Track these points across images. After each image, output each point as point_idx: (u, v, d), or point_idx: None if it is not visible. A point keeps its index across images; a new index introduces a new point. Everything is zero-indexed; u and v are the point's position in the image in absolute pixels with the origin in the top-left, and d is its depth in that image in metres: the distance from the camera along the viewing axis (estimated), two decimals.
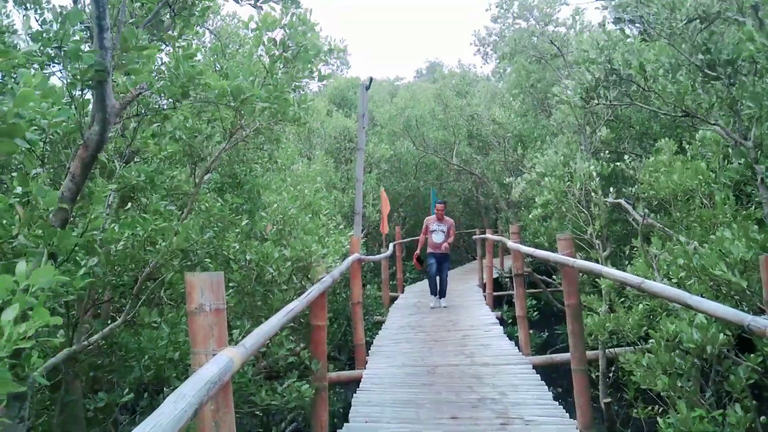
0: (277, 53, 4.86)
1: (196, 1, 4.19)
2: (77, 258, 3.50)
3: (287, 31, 4.91)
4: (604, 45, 5.65)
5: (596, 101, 5.99)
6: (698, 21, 4.73)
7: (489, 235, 12.95)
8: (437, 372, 6.36)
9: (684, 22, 4.80)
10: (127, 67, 3.66)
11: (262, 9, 4.26)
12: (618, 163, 7.73)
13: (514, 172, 15.18)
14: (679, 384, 3.95)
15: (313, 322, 5.07)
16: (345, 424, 4.98)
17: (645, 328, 5.37)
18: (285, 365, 5.24)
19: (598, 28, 13.43)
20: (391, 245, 13.98)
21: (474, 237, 15.52)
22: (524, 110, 15.77)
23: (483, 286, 12.87)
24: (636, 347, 5.35)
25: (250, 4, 4.03)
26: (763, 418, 3.97)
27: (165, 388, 4.59)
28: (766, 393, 4.24)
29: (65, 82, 3.61)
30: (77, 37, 3.44)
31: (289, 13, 4.92)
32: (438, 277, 10.72)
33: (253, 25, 4.99)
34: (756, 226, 4.21)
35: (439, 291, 10.82)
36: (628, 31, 5.53)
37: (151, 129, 4.61)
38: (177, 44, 4.43)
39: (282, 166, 8.96)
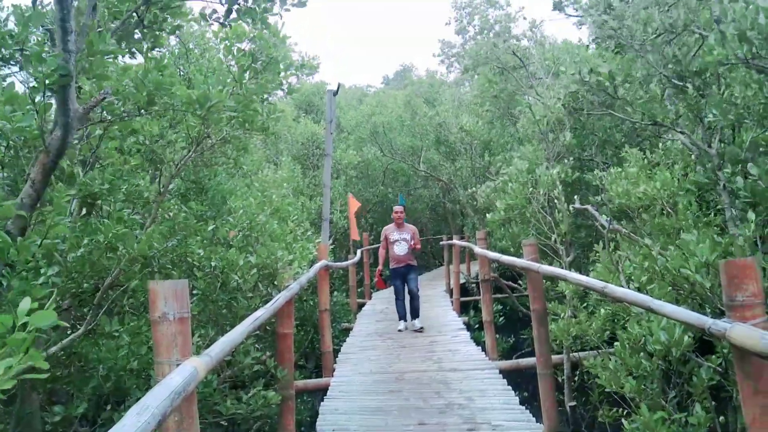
0: (246, 64, 4.83)
1: (168, 19, 4.13)
2: (37, 267, 3.40)
3: (257, 42, 4.90)
4: (579, 60, 5.79)
5: (579, 109, 6.12)
6: (667, 34, 4.85)
7: (456, 241, 13.02)
8: (405, 378, 6.35)
9: (654, 36, 4.93)
10: (95, 72, 3.59)
11: (230, 27, 4.22)
12: (586, 174, 7.87)
13: (481, 179, 15.31)
14: (644, 386, 4.02)
15: (279, 330, 5.02)
16: None
17: (608, 332, 5.45)
18: (251, 374, 5.16)
19: (560, 42, 13.68)
20: (358, 252, 13.95)
21: (441, 243, 15.58)
22: (491, 118, 15.92)
23: (450, 292, 12.93)
24: (600, 351, 5.43)
25: (218, 22, 4.00)
26: (722, 418, 4.06)
27: (127, 399, 4.48)
28: (724, 394, 4.33)
29: (26, 85, 3.52)
30: (36, 40, 3.36)
31: (258, 27, 4.90)
32: (408, 294, 9.01)
33: (222, 35, 4.96)
34: (718, 232, 4.33)
35: (411, 309, 9.05)
36: (604, 46, 5.66)
37: (115, 140, 4.51)
38: (148, 56, 4.37)
39: (248, 171, 8.87)
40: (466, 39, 16.66)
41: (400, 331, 8.95)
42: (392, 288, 9.36)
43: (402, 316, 9.14)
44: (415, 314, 9.03)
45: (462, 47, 16.91)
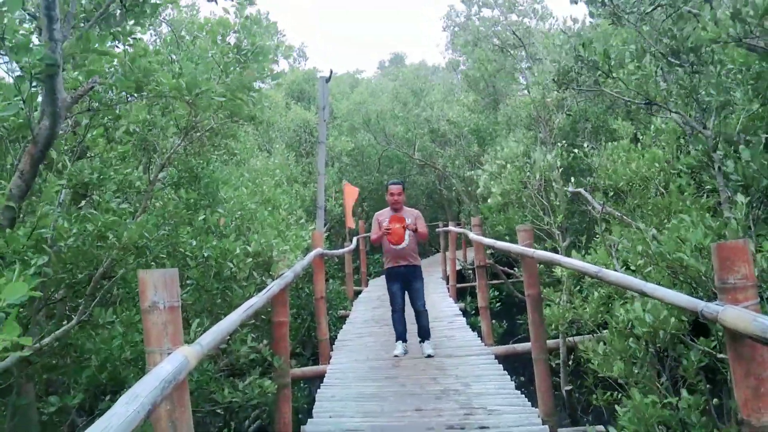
0: (231, 55, 4.82)
1: None
2: (26, 257, 3.39)
3: (241, 33, 4.88)
4: (572, 33, 5.73)
5: (567, 86, 6.06)
6: (665, 7, 4.80)
7: (452, 228, 13.03)
8: (401, 365, 6.37)
9: (651, 8, 4.87)
10: (87, 68, 3.56)
11: (217, 2, 4.19)
12: (575, 151, 7.85)
13: (474, 166, 15.31)
14: (635, 370, 4.03)
15: (274, 319, 5.01)
16: (309, 420, 4.95)
17: (602, 316, 5.46)
18: (247, 362, 5.17)
19: (565, 15, 13.60)
20: (354, 239, 13.96)
21: (437, 230, 15.61)
22: (480, 107, 15.90)
23: (446, 278, 12.95)
24: (594, 335, 5.45)
25: None
26: (715, 400, 4.08)
27: (123, 389, 4.48)
28: (720, 376, 4.35)
29: (12, 75, 3.48)
30: (19, 27, 3.31)
31: (243, 16, 4.88)
32: (413, 308, 6.64)
33: (208, 27, 4.95)
34: (712, 214, 4.33)
35: (418, 328, 6.69)
36: (596, 12, 5.56)
37: (101, 127, 4.47)
38: (128, 40, 4.33)
39: (241, 159, 8.82)
40: (470, 13, 16.49)
41: (396, 356, 6.59)
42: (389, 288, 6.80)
43: (400, 335, 6.75)
44: (424, 335, 6.69)
45: (467, 18, 16.73)
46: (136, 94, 3.96)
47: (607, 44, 5.29)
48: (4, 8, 3.07)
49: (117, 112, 4.29)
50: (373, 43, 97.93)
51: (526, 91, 9.67)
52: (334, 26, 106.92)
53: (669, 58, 4.97)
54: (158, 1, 4.15)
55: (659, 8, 4.93)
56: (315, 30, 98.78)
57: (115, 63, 4.05)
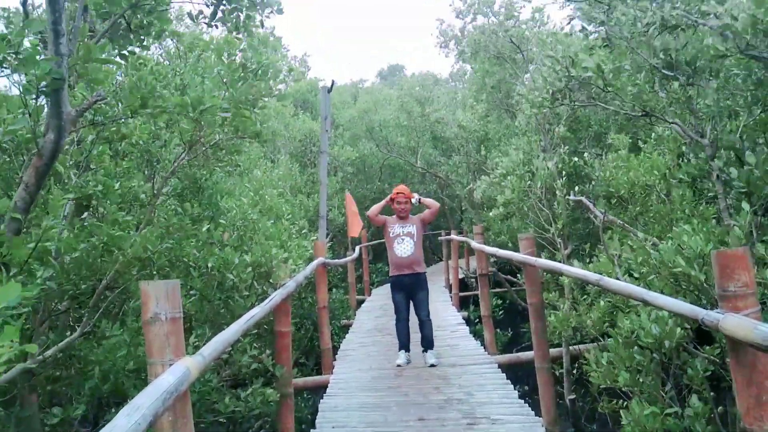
0: (237, 75, 4.87)
1: (154, 23, 4.13)
2: (32, 269, 3.41)
3: (248, 52, 4.93)
4: (565, 50, 5.76)
5: (560, 102, 6.09)
6: (657, 28, 4.84)
7: (454, 236, 13.04)
8: (404, 374, 6.35)
9: (644, 29, 4.91)
10: (89, 78, 3.59)
11: (217, 27, 4.24)
12: (576, 159, 7.87)
13: (477, 174, 15.31)
14: (640, 380, 4.02)
15: (276, 328, 5.02)
16: (312, 430, 4.94)
17: (607, 324, 5.46)
18: (249, 372, 5.17)
19: (558, 29, 13.65)
20: (357, 248, 13.96)
21: (440, 238, 15.62)
22: (487, 111, 15.91)
23: (449, 287, 12.94)
24: (598, 343, 5.44)
25: (204, 23, 4.00)
26: (720, 408, 4.07)
27: (127, 400, 4.49)
28: (724, 384, 4.34)
29: (19, 88, 3.52)
30: (29, 43, 3.35)
31: (250, 35, 4.92)
32: (417, 317, 6.58)
33: (214, 45, 4.99)
34: (713, 221, 4.33)
35: (421, 338, 6.61)
36: (591, 37, 5.63)
37: (105, 141, 4.50)
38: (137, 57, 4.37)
39: (245, 170, 8.85)
40: (465, 23, 16.51)
41: (399, 366, 6.53)
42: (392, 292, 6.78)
43: (403, 345, 6.70)
44: (427, 345, 6.59)
45: (461, 31, 16.73)
46: (140, 111, 3.99)
47: (598, 59, 5.31)
48: (24, 28, 3.11)
49: (123, 126, 4.32)
50: (373, 40, 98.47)
51: (529, 97, 9.64)
52: (334, 23, 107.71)
53: (664, 71, 4.99)
54: (163, 26, 4.18)
55: (651, 27, 4.96)
56: (315, 27, 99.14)
57: (120, 78, 4.09)
